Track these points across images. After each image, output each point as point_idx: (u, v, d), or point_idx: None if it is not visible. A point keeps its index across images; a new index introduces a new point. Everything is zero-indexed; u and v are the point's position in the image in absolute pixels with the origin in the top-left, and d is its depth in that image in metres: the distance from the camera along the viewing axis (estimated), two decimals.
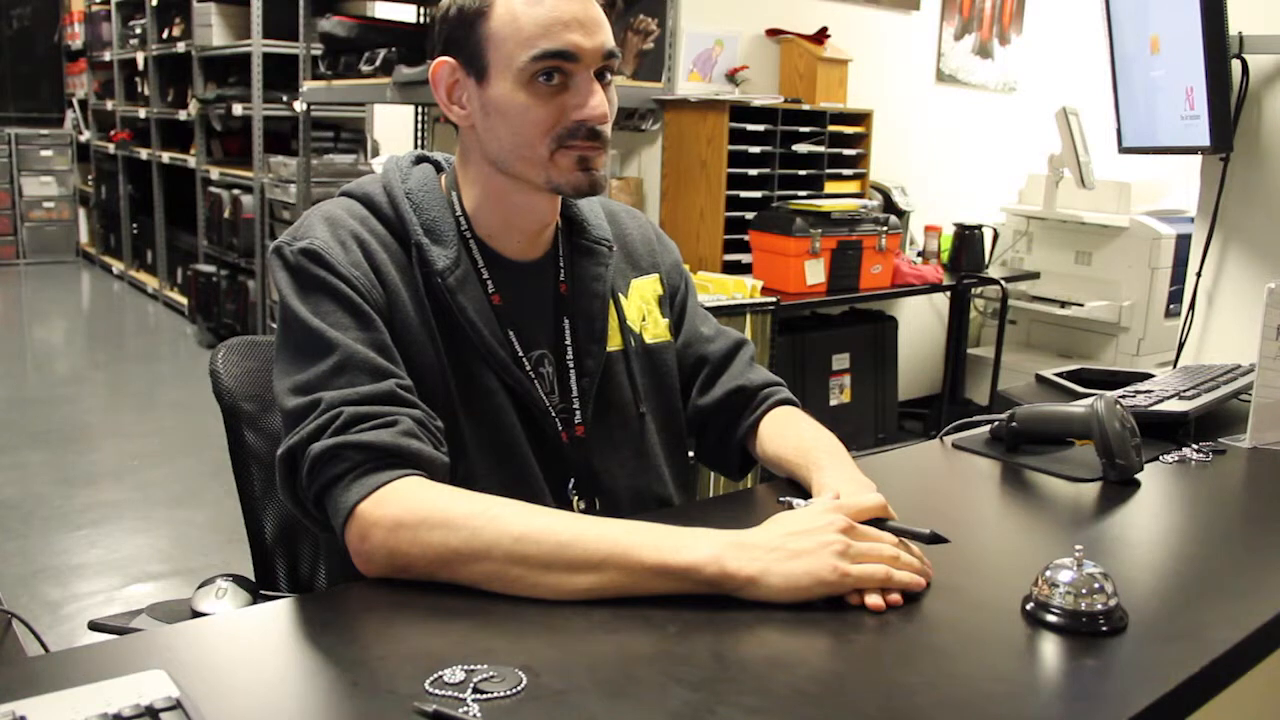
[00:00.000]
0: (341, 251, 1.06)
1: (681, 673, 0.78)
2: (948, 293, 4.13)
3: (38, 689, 0.70)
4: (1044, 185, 3.99)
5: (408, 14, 4.02)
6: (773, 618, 0.87)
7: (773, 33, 3.74)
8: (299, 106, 4.36)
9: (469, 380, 1.11)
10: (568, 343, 1.18)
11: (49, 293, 7.12)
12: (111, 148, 7.11)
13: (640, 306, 1.26)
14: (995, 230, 4.25)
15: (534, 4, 1.05)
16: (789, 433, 1.24)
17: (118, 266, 7.43)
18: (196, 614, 1.04)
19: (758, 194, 3.39)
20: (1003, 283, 3.98)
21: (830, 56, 3.66)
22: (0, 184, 7.69)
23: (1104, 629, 0.87)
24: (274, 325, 1.09)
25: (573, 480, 1.16)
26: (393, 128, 5.04)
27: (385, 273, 1.08)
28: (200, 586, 1.09)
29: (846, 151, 3.62)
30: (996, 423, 1.41)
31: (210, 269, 5.57)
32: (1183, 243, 3.71)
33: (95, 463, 3.82)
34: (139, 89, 6.73)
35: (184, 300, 6.10)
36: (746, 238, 3.36)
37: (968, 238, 4.04)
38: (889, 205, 3.90)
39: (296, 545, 1.26)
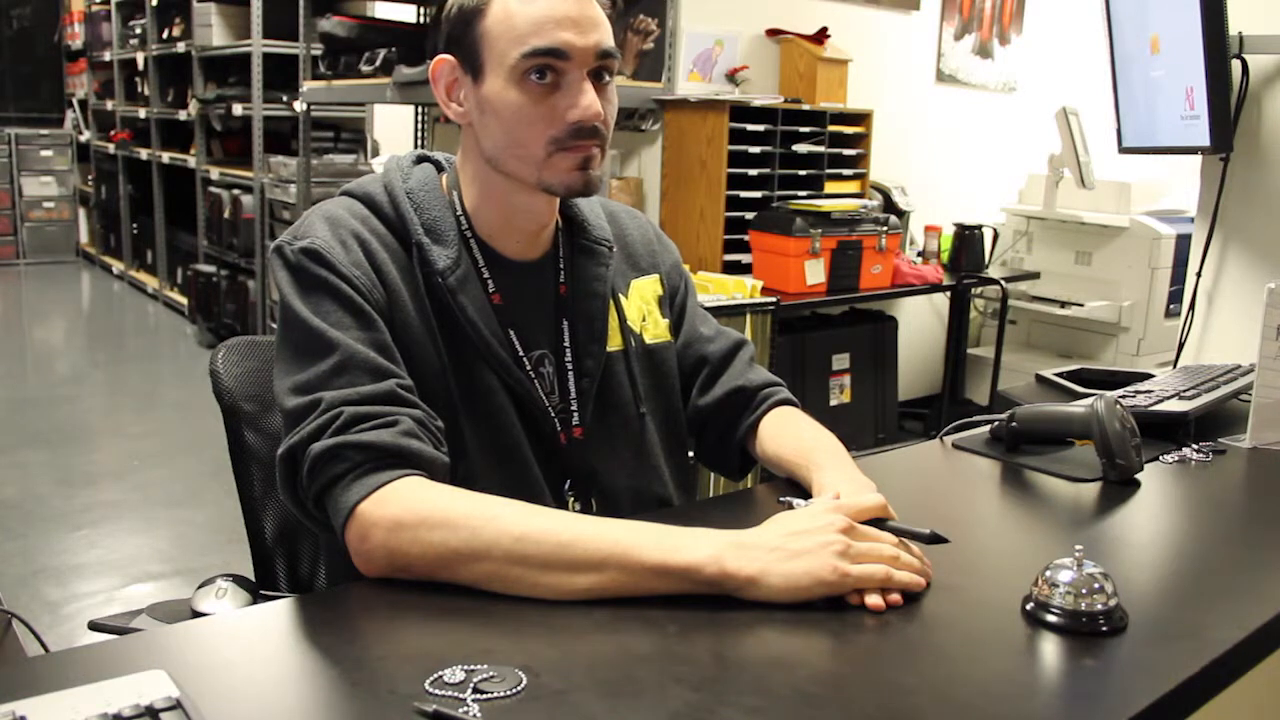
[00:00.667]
0: (342, 251, 1.06)
1: (681, 673, 0.78)
2: (948, 293, 4.13)
3: (38, 689, 0.70)
4: (1044, 185, 3.99)
5: (408, 14, 4.02)
6: (773, 618, 0.87)
7: (773, 33, 3.74)
8: (299, 106, 4.36)
9: (469, 380, 1.11)
10: (567, 343, 1.18)
11: (49, 293, 7.12)
12: (111, 148, 7.10)
13: (640, 307, 1.26)
14: (995, 230, 4.25)
15: (528, 2, 1.05)
16: (789, 433, 1.24)
17: (118, 266, 7.43)
18: (196, 614, 1.04)
19: (758, 194, 3.39)
20: (1003, 283, 3.99)
21: (830, 56, 3.66)
22: (0, 184, 7.69)
23: (1104, 629, 0.87)
24: (274, 325, 1.09)
25: (569, 481, 1.16)
26: (393, 128, 5.04)
27: (386, 272, 1.08)
28: (200, 586, 1.09)
29: (846, 151, 3.62)
30: (996, 423, 1.41)
31: (210, 269, 5.57)
32: (1183, 243, 3.71)
33: (95, 463, 3.82)
34: (139, 89, 6.73)
35: (184, 300, 6.10)
36: (746, 238, 3.36)
37: (968, 238, 4.04)
38: (889, 205, 3.90)
39: (296, 545, 1.26)
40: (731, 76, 3.67)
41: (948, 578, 0.96)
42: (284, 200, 4.86)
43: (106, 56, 7.16)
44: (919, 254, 4.06)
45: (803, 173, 3.50)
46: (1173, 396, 1.53)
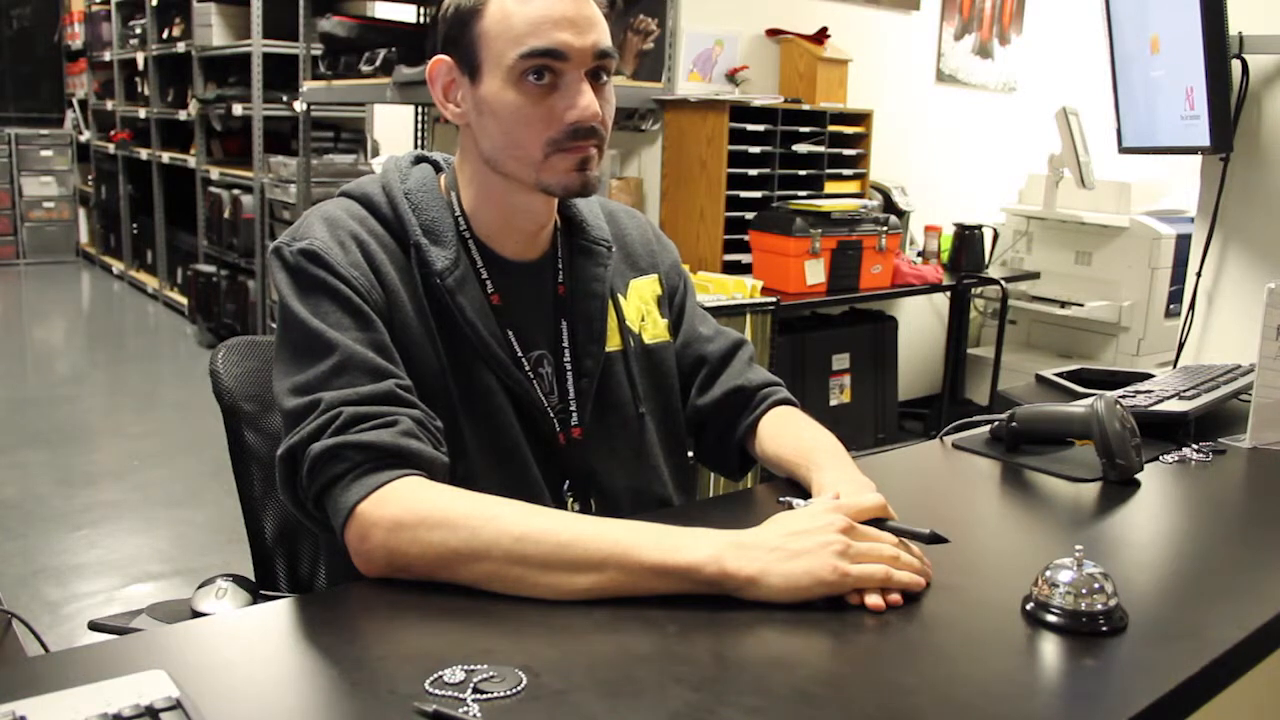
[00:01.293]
0: (341, 252, 1.06)
1: (681, 673, 0.78)
2: (948, 293, 4.13)
3: (38, 689, 0.70)
4: (1044, 185, 3.99)
5: (408, 14, 4.02)
6: (773, 618, 0.87)
7: (773, 33, 3.74)
8: (299, 106, 4.36)
9: (468, 380, 1.11)
10: (566, 343, 1.18)
11: (49, 293, 7.12)
12: (111, 148, 7.10)
13: (639, 307, 1.26)
14: (995, 230, 4.25)
15: (525, 2, 1.05)
16: (788, 432, 1.24)
17: (118, 266, 7.43)
18: (196, 614, 1.04)
19: (758, 194, 3.39)
20: (1003, 283, 3.99)
21: (830, 56, 3.66)
22: (0, 184, 7.69)
23: (1104, 629, 0.87)
24: (274, 325, 1.09)
25: (568, 481, 1.16)
26: (393, 128, 5.04)
27: (384, 273, 1.08)
28: (200, 586, 1.09)
29: (846, 151, 3.62)
30: (996, 423, 1.41)
31: (210, 269, 5.57)
32: (1183, 243, 3.71)
33: (95, 463, 3.82)
34: (139, 89, 6.73)
35: (184, 300, 6.09)
36: (746, 238, 3.36)
37: (968, 238, 4.04)
38: (889, 205, 3.90)
39: (296, 545, 1.26)
40: (731, 76, 3.67)
41: (948, 578, 0.96)
42: (284, 200, 4.86)
43: (106, 56, 7.16)
44: (919, 254, 4.06)
45: (803, 173, 3.50)
46: (1173, 396, 1.53)
